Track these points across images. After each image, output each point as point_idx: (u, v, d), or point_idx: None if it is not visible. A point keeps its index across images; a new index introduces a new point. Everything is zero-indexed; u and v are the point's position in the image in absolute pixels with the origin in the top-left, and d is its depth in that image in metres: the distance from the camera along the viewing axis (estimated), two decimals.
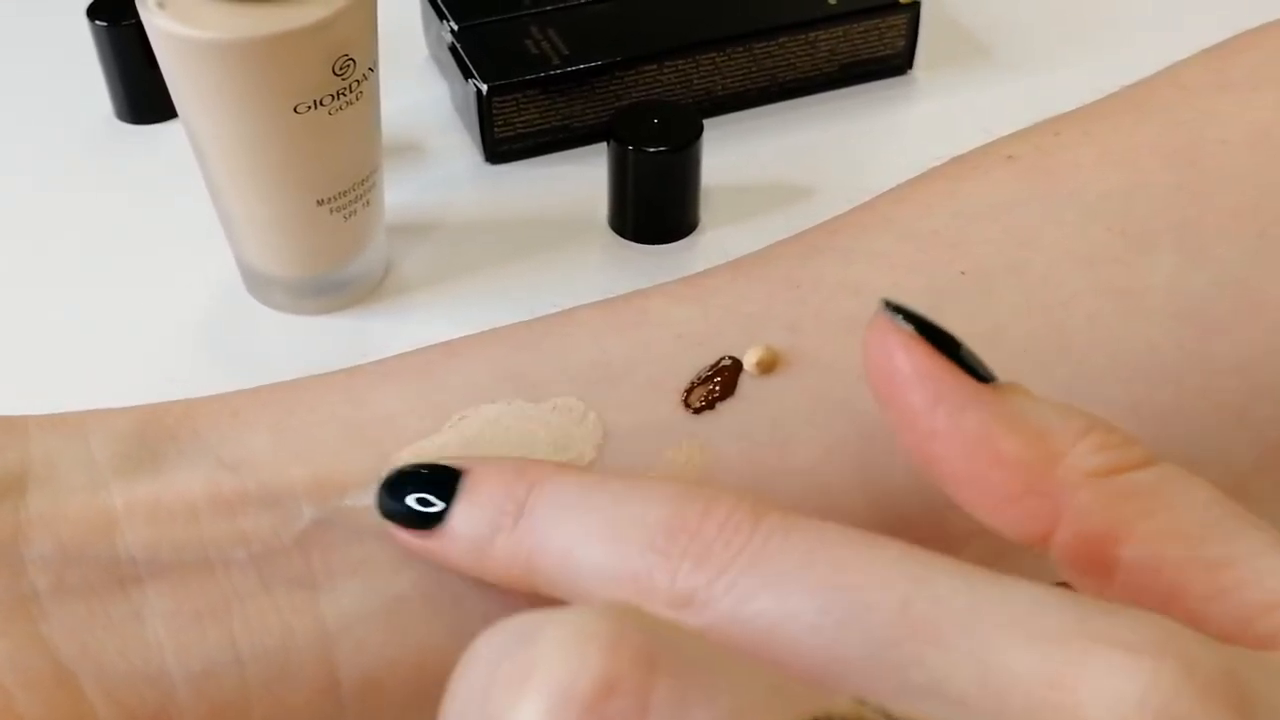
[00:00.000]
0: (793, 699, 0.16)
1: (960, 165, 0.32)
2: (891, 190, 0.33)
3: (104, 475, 0.26)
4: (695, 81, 0.51)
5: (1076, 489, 0.21)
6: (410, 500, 0.25)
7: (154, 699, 0.25)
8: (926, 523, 0.27)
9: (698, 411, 0.28)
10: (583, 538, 0.22)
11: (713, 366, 0.28)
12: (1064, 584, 0.21)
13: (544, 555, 0.23)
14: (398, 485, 0.26)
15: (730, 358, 0.29)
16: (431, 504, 0.25)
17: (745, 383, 0.28)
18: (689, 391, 0.28)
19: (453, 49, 0.50)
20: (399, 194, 0.48)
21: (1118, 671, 0.17)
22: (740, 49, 0.51)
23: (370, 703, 0.26)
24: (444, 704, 0.18)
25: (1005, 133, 0.33)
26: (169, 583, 0.25)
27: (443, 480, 0.25)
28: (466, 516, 0.24)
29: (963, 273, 0.29)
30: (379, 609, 0.26)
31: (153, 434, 0.27)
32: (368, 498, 0.26)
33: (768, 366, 0.28)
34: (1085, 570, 0.21)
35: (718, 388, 0.28)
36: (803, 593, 0.19)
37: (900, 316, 0.22)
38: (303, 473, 0.26)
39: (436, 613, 0.26)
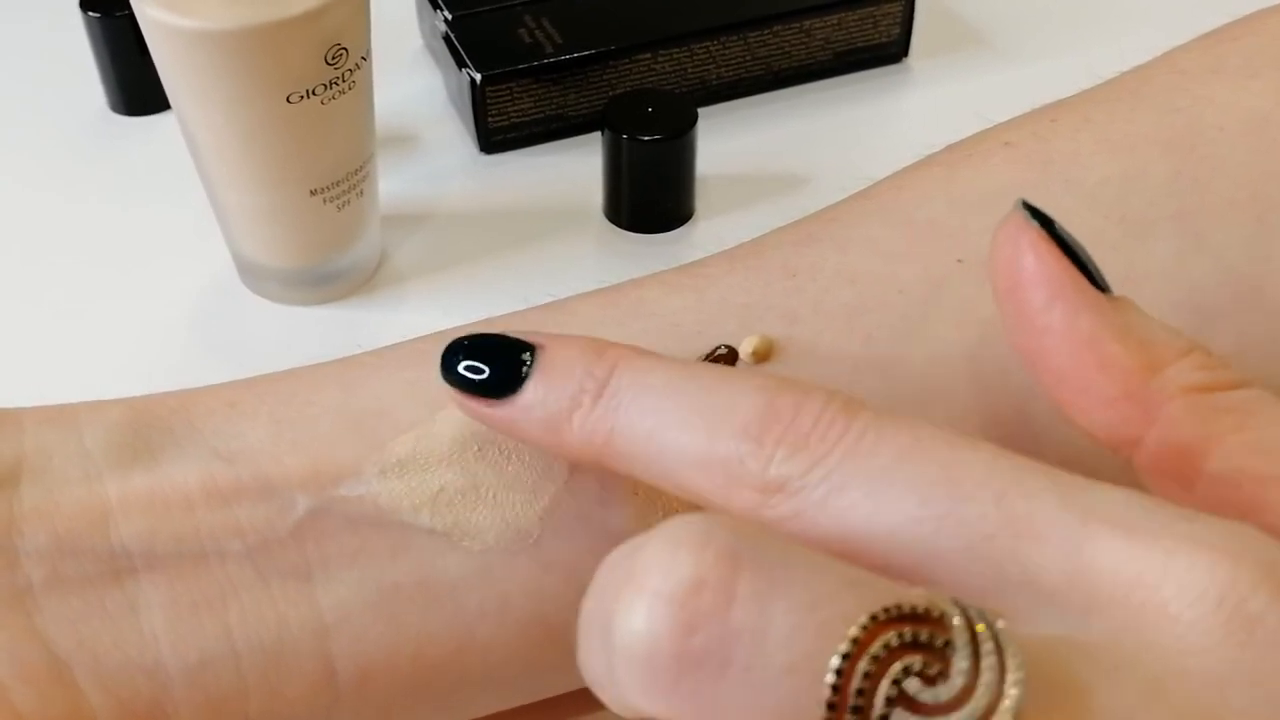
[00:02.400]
0: (868, 591, 0.17)
1: (957, 152, 0.32)
2: (888, 178, 0.32)
3: (98, 467, 0.26)
4: (690, 70, 0.51)
5: (1171, 399, 0.22)
6: (460, 368, 0.25)
7: (149, 691, 0.24)
8: None
9: None
10: (670, 421, 0.22)
11: (708, 355, 0.28)
12: None
13: (626, 437, 0.23)
14: (456, 354, 0.25)
15: (726, 347, 0.28)
16: (480, 370, 0.24)
17: None
18: None
19: (446, 38, 0.50)
20: (393, 184, 0.48)
21: (1200, 569, 0.18)
22: (735, 37, 0.51)
23: (367, 693, 0.26)
24: (579, 618, 0.20)
25: (1002, 120, 0.33)
26: (164, 574, 0.25)
27: (515, 354, 0.24)
28: (542, 391, 0.24)
29: (960, 261, 0.29)
30: (375, 599, 0.26)
31: (147, 425, 0.27)
32: (362, 487, 0.26)
33: (763, 355, 0.28)
34: (1168, 479, 0.22)
35: None
36: (899, 487, 0.20)
37: (1034, 217, 0.23)
38: (297, 463, 0.26)
39: (432, 601, 0.26)
